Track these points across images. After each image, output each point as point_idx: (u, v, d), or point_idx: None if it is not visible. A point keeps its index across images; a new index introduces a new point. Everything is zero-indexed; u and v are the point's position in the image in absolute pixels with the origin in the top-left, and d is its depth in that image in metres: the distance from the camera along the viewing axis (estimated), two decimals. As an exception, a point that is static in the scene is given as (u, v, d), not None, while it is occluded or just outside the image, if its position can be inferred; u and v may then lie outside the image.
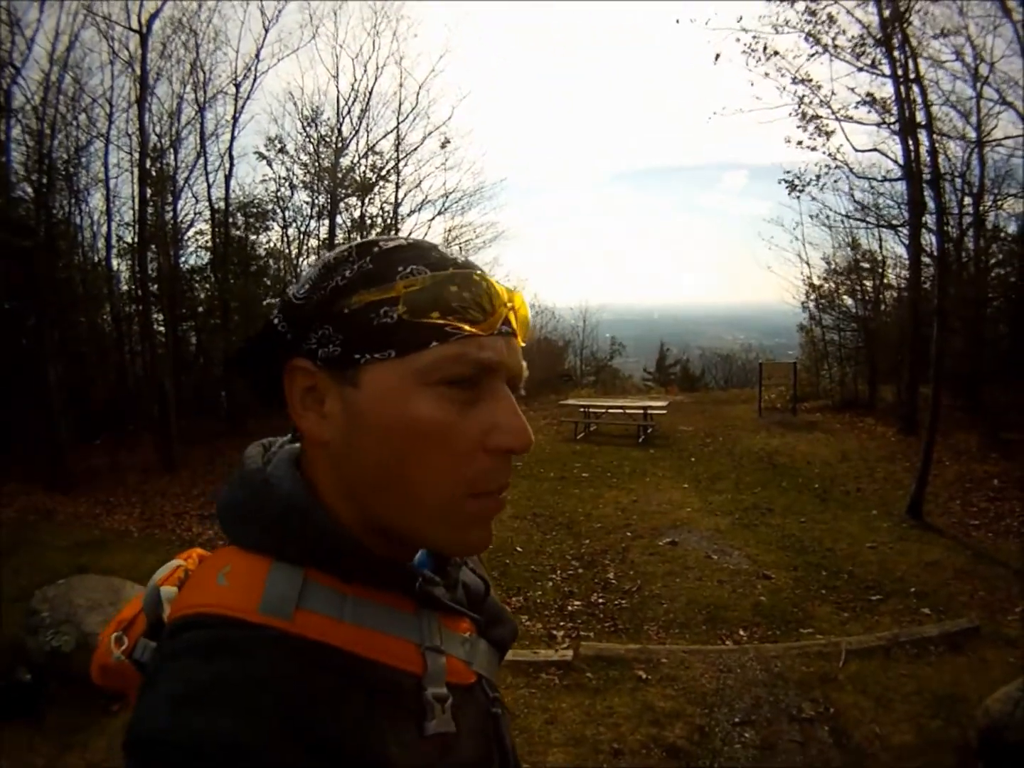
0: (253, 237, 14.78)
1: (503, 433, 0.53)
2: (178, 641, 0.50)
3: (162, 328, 12.73)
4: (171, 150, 13.07)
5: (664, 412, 12.63)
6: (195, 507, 8.65)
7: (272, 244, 14.87)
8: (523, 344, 0.60)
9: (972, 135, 11.36)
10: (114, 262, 14.07)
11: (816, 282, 15.86)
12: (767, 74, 12.62)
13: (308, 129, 13.60)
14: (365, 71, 15.16)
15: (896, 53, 8.64)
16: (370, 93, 13.76)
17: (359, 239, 0.58)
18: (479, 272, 0.55)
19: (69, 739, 3.51)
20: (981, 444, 9.41)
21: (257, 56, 13.90)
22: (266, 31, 13.93)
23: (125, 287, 14.35)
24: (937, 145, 9.34)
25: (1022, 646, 4.14)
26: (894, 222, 13.02)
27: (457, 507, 0.53)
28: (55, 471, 9.91)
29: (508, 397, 0.55)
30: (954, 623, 4.38)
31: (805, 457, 9.93)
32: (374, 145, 13.94)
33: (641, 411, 12.04)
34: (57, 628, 4.06)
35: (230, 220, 14.36)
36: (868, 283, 15.15)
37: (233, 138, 14.08)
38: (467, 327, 0.52)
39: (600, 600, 5.21)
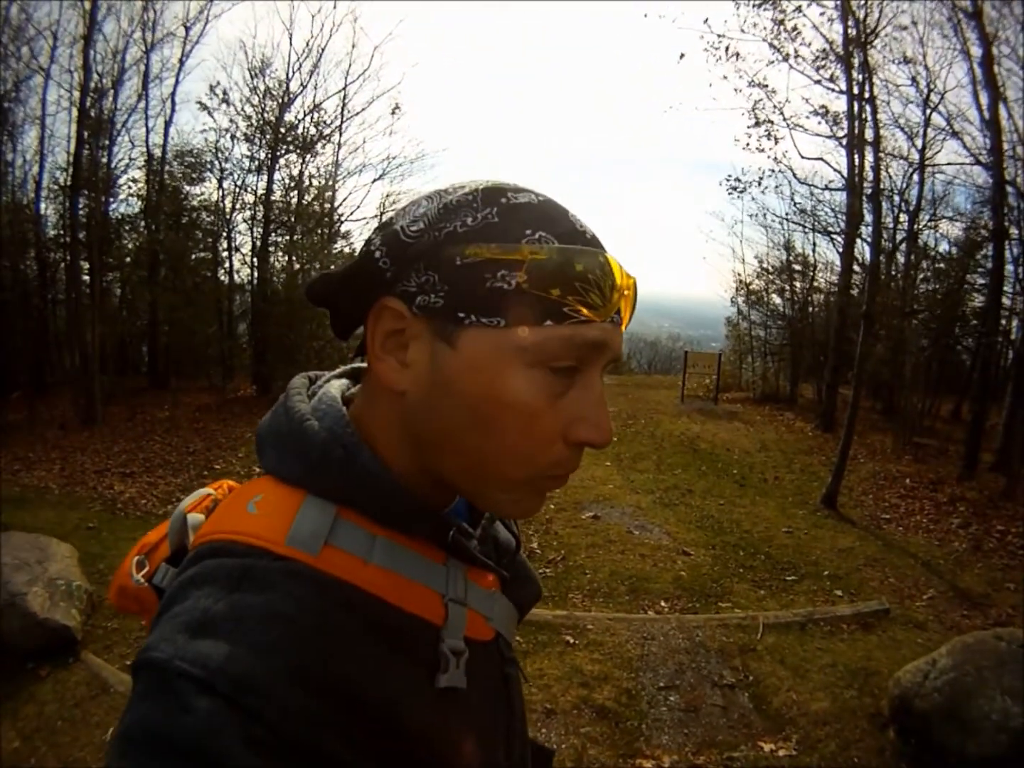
0: (188, 188, 14.20)
1: (587, 427, 0.51)
2: (200, 567, 0.49)
3: (87, 277, 12.10)
4: (112, 91, 12.39)
5: (588, 392, 12.89)
6: (117, 464, 8.32)
7: (206, 196, 14.33)
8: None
9: (915, 157, 11.98)
10: (43, 205, 13.38)
11: (747, 279, 16.46)
12: (725, 76, 12.98)
13: (255, 80, 13.12)
14: (322, 27, 14.77)
15: (855, 72, 8.99)
16: (322, 50, 13.39)
17: (484, 182, 0.52)
18: (604, 253, 0.51)
19: (-5, 707, 3.35)
20: (895, 446, 9.98)
21: (211, -1, 13.33)
22: (224, -27, 13.40)
23: (52, 232, 13.62)
24: (881, 162, 9.77)
25: (930, 629, 4.44)
26: (830, 229, 13.61)
27: (524, 484, 0.52)
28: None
29: (599, 388, 0.52)
30: (866, 604, 4.64)
31: (725, 444, 10.27)
32: (320, 103, 13.57)
33: None
34: (-19, 588, 3.85)
35: (166, 168, 13.80)
36: (798, 284, 15.85)
37: (177, 83, 13.61)
38: (585, 310, 0.48)
39: (525, 568, 5.29)
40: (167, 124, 13.60)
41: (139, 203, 13.95)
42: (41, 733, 3.13)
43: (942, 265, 12.96)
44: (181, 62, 13.41)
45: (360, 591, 0.50)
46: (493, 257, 0.48)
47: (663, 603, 4.74)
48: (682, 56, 10.80)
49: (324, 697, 0.43)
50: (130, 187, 13.90)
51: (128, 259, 14.13)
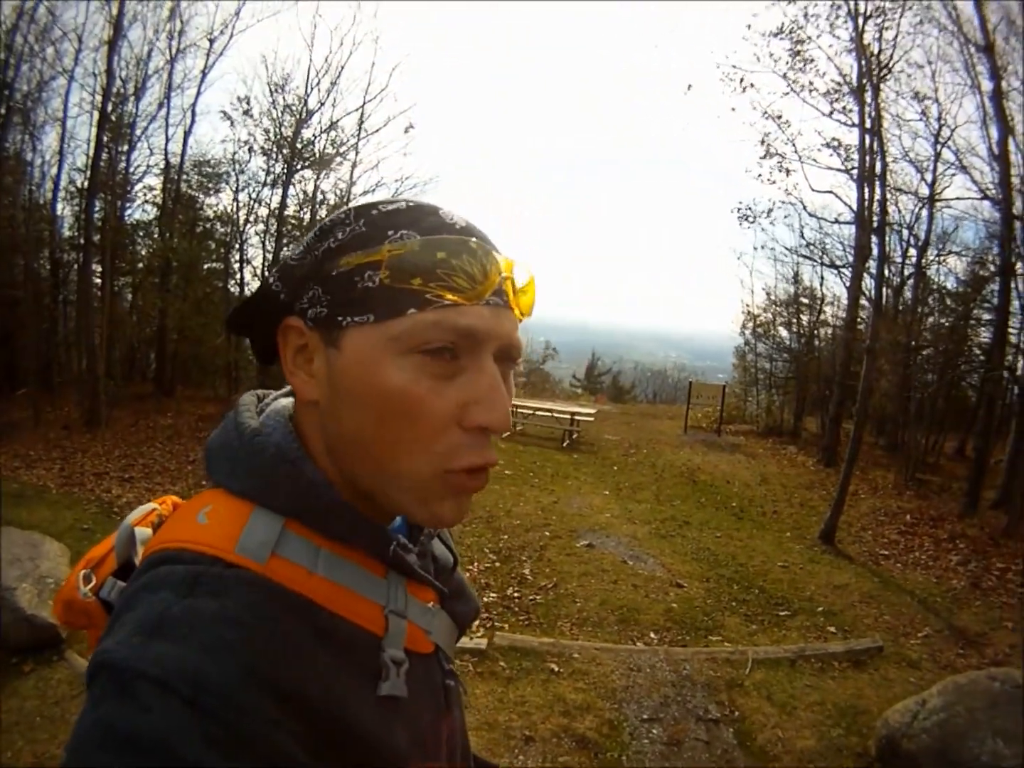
0: (203, 198, 14.37)
1: (479, 410, 0.52)
2: (153, 574, 0.50)
3: (99, 280, 12.20)
4: (134, 97, 12.59)
5: (592, 420, 12.91)
6: (116, 468, 8.36)
7: (222, 207, 14.48)
8: (523, 318, 0.58)
9: (925, 191, 11.97)
10: (59, 206, 13.47)
11: (755, 311, 16.45)
12: (733, 109, 13.08)
13: (275, 95, 13.28)
14: (341, 44, 14.97)
15: (867, 106, 9.06)
16: (342, 68, 13.55)
17: (353, 205, 0.56)
18: (476, 240, 0.54)
19: (-23, 701, 3.34)
20: (897, 482, 9.91)
21: (237, 14, 13.56)
22: (249, -11, 13.63)
23: (68, 233, 13.73)
24: (889, 196, 9.81)
25: (923, 667, 4.39)
26: (838, 263, 13.60)
27: (429, 480, 0.53)
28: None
29: (491, 371, 0.53)
30: (859, 642, 4.59)
31: (725, 476, 10.23)
32: (338, 121, 13.71)
33: (569, 416, 12.18)
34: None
35: (183, 177, 13.90)
36: (805, 317, 15.81)
37: (199, 94, 13.69)
38: (449, 295, 0.51)
39: (516, 594, 5.27)
40: (186, 133, 13.75)
41: (154, 210, 14.11)
42: (19, 727, 3.14)
43: (949, 301, 12.92)
44: (203, 73, 13.57)
45: (306, 600, 0.52)
46: (360, 261, 0.52)
47: (652, 635, 4.71)
48: (690, 87, 10.95)
49: (276, 697, 0.44)
50: (146, 193, 14.08)
51: (140, 265, 14.27)
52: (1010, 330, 10.11)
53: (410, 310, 0.51)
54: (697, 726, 3.47)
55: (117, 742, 0.40)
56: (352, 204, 0.57)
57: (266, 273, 13.63)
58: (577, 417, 12.22)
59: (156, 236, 13.86)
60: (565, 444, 11.62)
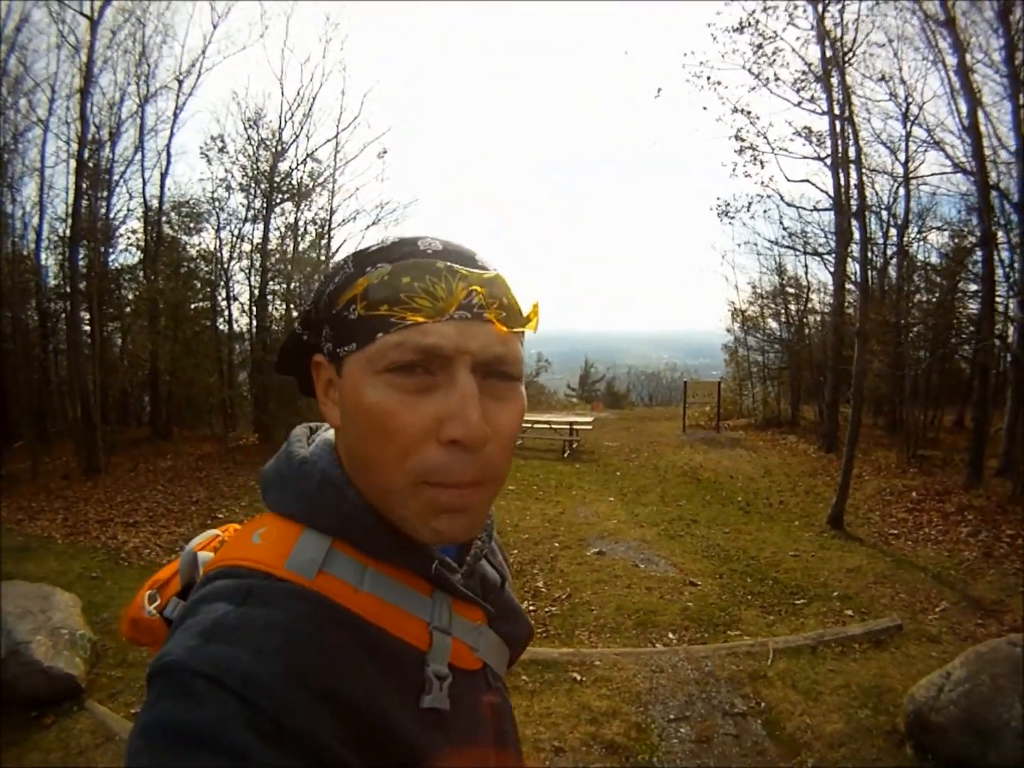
0: (185, 238, 14.38)
1: (451, 424, 0.53)
2: (211, 587, 0.54)
3: (87, 327, 12.22)
4: (109, 142, 12.67)
5: (590, 428, 12.96)
6: (120, 514, 8.32)
7: (204, 246, 14.50)
8: (508, 330, 0.57)
9: (899, 171, 12.10)
10: (43, 255, 13.56)
11: (742, 305, 16.54)
12: (705, 107, 13.23)
13: (249, 131, 13.36)
14: (312, 77, 15.10)
15: (835, 92, 9.15)
16: (314, 99, 13.65)
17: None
18: (444, 263, 0.56)
19: None
20: (899, 460, 9.94)
21: (203, 52, 13.71)
22: (214, 27, 13.86)
23: (53, 282, 13.80)
24: (865, 179, 9.90)
25: (944, 641, 4.38)
26: (820, 250, 13.70)
27: (415, 494, 0.54)
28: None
29: (463, 385, 0.53)
30: (877, 622, 4.59)
31: (728, 472, 10.26)
32: (313, 152, 13.80)
33: (567, 426, 12.23)
34: (-14, 636, 3.84)
35: (163, 219, 13.97)
36: (792, 307, 15.90)
37: (172, 135, 13.88)
38: (411, 316, 0.53)
39: (531, 607, 5.24)
40: (163, 175, 13.87)
41: (138, 253, 14.17)
42: None
43: (934, 276, 13.00)
44: (175, 114, 13.71)
45: (353, 614, 0.55)
46: (347, 298, 0.57)
47: (671, 635, 4.70)
48: (660, 91, 11.09)
49: (322, 698, 0.47)
50: (129, 237, 14.17)
51: (128, 309, 14.25)
52: (997, 299, 10.17)
53: (379, 334, 0.54)
54: (725, 721, 3.46)
55: (174, 735, 0.43)
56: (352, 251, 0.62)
57: (254, 308, 13.73)
58: (575, 426, 12.28)
59: (141, 279, 13.90)
60: (566, 454, 11.65)
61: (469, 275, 0.56)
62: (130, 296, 14.37)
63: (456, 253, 0.58)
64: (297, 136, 13.65)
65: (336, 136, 13.93)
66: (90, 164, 11.84)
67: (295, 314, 13.10)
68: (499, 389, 0.57)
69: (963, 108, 9.67)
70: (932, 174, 11.71)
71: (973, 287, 12.27)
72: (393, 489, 0.55)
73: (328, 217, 14.15)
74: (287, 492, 0.61)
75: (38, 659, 3.75)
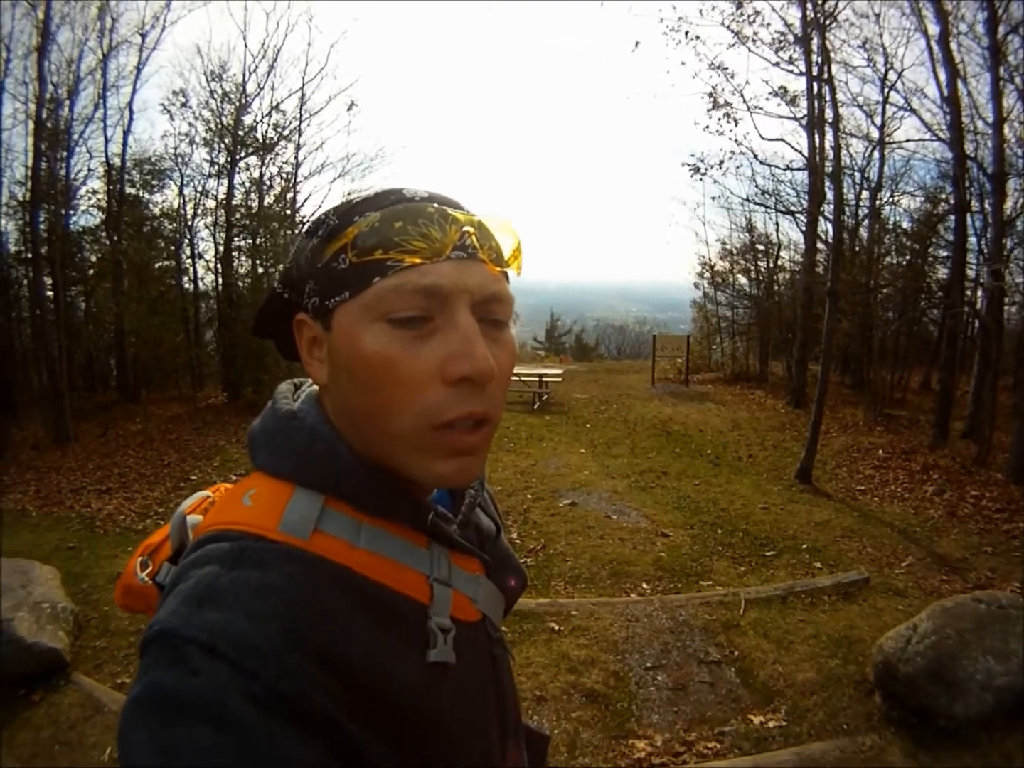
0: (148, 196, 14.02)
1: (458, 361, 0.53)
2: (202, 551, 0.53)
3: (51, 292, 11.87)
4: (68, 101, 12.11)
5: (559, 380, 13.02)
6: (92, 481, 8.19)
7: (168, 204, 14.17)
8: (505, 270, 0.60)
9: (875, 135, 12.16)
10: (2, 221, 12.99)
11: (712, 260, 16.70)
12: (684, 63, 13.08)
13: (212, 84, 12.94)
14: (277, 27, 14.64)
15: (814, 54, 9.09)
16: (278, 51, 13.25)
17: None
18: (435, 205, 0.56)
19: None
20: (866, 418, 10.16)
21: (167, 4, 13.14)
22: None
23: (13, 248, 13.29)
24: (841, 141, 9.90)
25: (910, 595, 4.52)
26: (792, 209, 13.75)
27: (423, 438, 0.54)
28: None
29: (466, 324, 0.54)
30: (846, 575, 4.71)
31: (697, 425, 10.39)
32: (278, 104, 13.43)
33: (536, 379, 12.22)
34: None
35: (126, 178, 13.52)
36: (762, 264, 16.06)
37: (135, 91, 13.31)
38: (408, 258, 0.53)
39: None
40: (125, 133, 13.33)
41: (100, 214, 13.70)
42: (39, 758, 3.07)
43: (904, 241, 13.17)
44: (138, 69, 13.15)
45: (350, 571, 0.54)
46: (335, 248, 0.56)
47: (645, 585, 4.79)
48: (637, 44, 10.90)
49: (317, 660, 0.47)
50: (90, 198, 13.67)
51: (91, 272, 13.89)
52: (968, 266, 10.33)
53: (375, 279, 0.53)
54: (700, 669, 3.55)
55: (167, 705, 0.43)
56: (333, 205, 0.61)
57: (219, 265, 13.49)
58: (545, 379, 12.27)
59: (104, 240, 13.51)
60: (535, 407, 11.66)
61: (460, 217, 0.56)
62: (93, 258, 13.98)
63: (443, 199, 0.59)
64: (261, 88, 13.26)
65: (302, 88, 13.56)
66: (48, 124, 11.35)
67: (260, 270, 12.93)
68: (493, 331, 0.57)
69: (943, 77, 9.69)
70: (908, 140, 11.86)
71: (944, 253, 12.47)
72: (400, 435, 0.54)
73: (294, 171, 13.84)
74: (276, 450, 0.60)
75: (22, 636, 3.66)
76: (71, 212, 13.02)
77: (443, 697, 0.55)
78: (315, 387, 0.66)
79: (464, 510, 0.68)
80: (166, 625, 0.46)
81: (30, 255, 11.73)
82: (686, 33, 10.43)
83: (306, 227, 0.61)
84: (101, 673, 3.82)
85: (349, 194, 0.64)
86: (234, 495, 0.60)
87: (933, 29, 9.73)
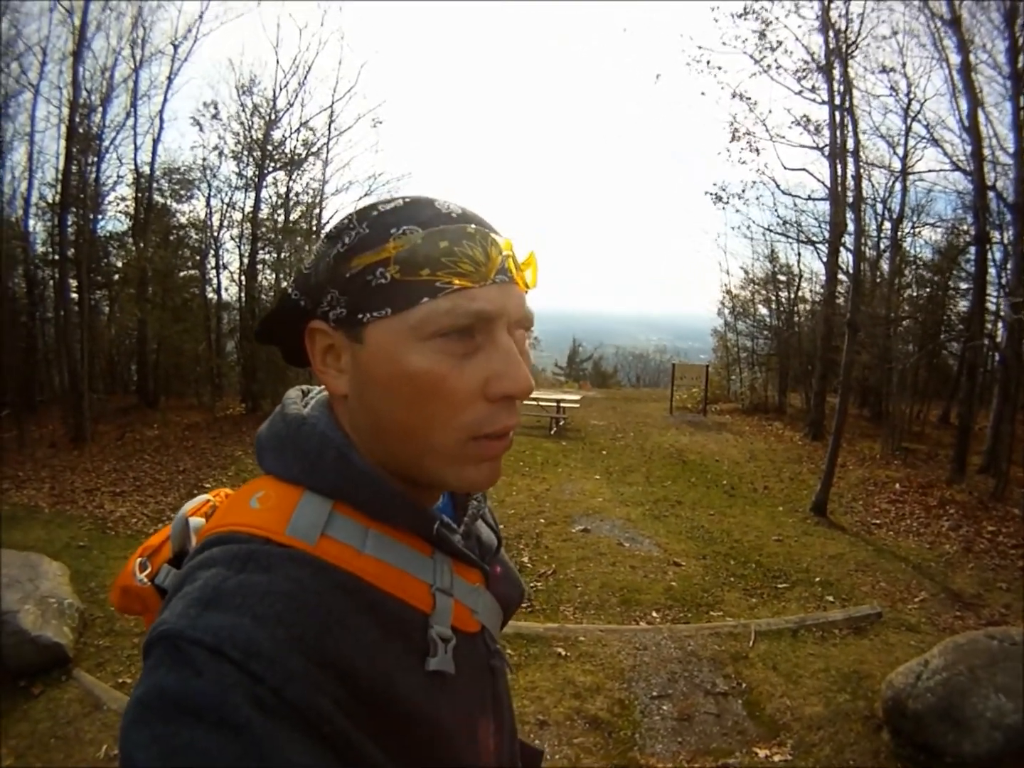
0: (176, 205, 14.22)
1: (501, 380, 0.55)
2: (208, 554, 0.53)
3: (75, 295, 12.05)
4: (100, 108, 12.36)
5: (577, 406, 13.01)
6: (107, 483, 8.26)
7: (195, 214, 14.36)
8: (530, 289, 0.62)
9: (897, 165, 12.14)
10: (31, 222, 13.24)
11: (733, 290, 16.63)
12: (703, 93, 13.14)
13: (243, 97, 13.17)
14: (308, 45, 14.88)
15: (836, 83, 9.12)
16: (309, 67, 13.47)
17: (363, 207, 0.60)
18: (474, 226, 0.57)
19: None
20: (884, 452, 10.05)
21: (200, 17, 13.43)
22: (212, -8, 13.49)
23: (41, 249, 13.52)
24: (863, 171, 9.90)
25: (922, 631, 4.46)
26: (814, 239, 13.73)
27: (461, 449, 0.56)
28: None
29: (507, 345, 0.57)
30: (858, 609, 4.67)
31: (714, 455, 10.32)
32: (307, 121, 13.63)
33: (554, 404, 12.21)
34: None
35: (154, 186, 13.75)
36: (783, 294, 15.97)
37: (166, 100, 13.53)
38: (457, 280, 0.54)
39: (516, 582, 5.28)
40: (155, 141, 13.57)
41: (127, 220, 13.93)
42: (34, 751, 3.10)
43: (925, 273, 13.09)
44: (169, 80, 13.41)
45: (354, 577, 0.55)
46: (370, 261, 0.55)
47: (654, 614, 4.75)
48: (658, 77, 11.02)
49: (321, 666, 0.47)
50: (118, 204, 13.90)
51: (116, 277, 14.07)
52: (988, 298, 10.24)
53: (424, 299, 0.54)
54: (706, 700, 3.51)
55: (170, 706, 0.43)
56: (355, 210, 0.60)
57: (243, 278, 13.61)
58: (563, 404, 12.26)
59: (130, 247, 13.69)
60: (552, 432, 11.65)
61: (499, 239, 0.58)
62: (118, 263, 14.16)
63: (477, 218, 0.60)
64: (291, 104, 13.47)
65: (331, 106, 13.75)
66: (80, 129, 11.57)
67: (284, 284, 13.01)
68: (520, 347, 0.59)
69: (964, 107, 9.68)
70: (929, 171, 11.83)
71: (964, 285, 12.37)
72: (441, 447, 0.56)
73: (320, 187, 14.00)
74: (286, 454, 0.60)
75: (26, 628, 3.73)
76: (99, 217, 13.24)
77: (440, 706, 0.56)
78: (325, 394, 0.66)
79: (467, 521, 0.69)
80: (171, 626, 0.46)
81: (57, 257, 11.88)
82: (707, 63, 10.51)
83: (328, 232, 0.60)
84: (103, 671, 3.85)
85: (362, 198, 0.63)
86: (241, 498, 0.60)
87: (955, 59, 9.76)
